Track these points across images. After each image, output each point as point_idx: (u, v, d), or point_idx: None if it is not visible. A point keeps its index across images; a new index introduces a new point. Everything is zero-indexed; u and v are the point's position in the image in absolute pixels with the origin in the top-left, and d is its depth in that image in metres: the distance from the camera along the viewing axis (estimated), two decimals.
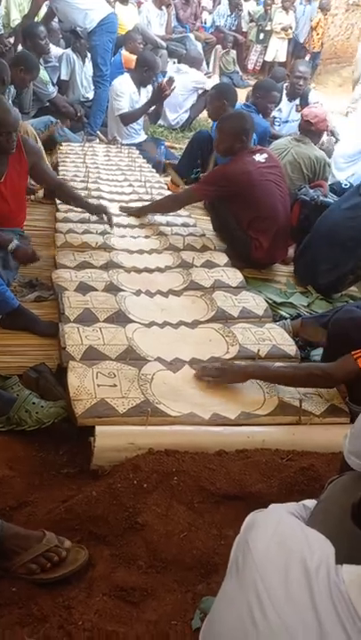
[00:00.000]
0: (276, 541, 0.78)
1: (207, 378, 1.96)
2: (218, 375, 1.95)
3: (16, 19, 5.73)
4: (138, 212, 3.43)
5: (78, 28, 5.34)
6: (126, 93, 4.73)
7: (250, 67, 9.52)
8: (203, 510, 1.46)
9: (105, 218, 3.07)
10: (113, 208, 3.49)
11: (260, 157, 3.08)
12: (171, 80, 4.82)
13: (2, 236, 2.56)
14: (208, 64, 8.12)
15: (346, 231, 2.92)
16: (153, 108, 5.09)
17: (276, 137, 4.74)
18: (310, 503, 1.03)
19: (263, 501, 1.41)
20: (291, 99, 5.24)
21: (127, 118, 4.80)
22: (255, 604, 0.73)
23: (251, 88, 5.43)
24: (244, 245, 3.10)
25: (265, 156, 3.11)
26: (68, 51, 5.27)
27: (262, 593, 0.73)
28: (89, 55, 5.17)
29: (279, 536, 0.79)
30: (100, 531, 1.41)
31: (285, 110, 5.24)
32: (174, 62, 6.46)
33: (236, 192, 3.01)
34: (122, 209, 3.49)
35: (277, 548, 0.77)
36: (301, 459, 1.64)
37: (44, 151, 3.04)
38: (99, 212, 3.06)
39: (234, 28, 9.12)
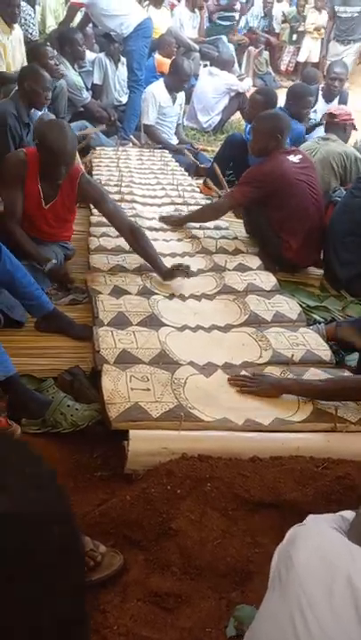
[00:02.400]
0: (320, 556, 0.77)
1: (242, 389, 1.95)
2: (253, 387, 1.94)
3: (51, 25, 5.85)
4: (178, 222, 3.36)
5: (113, 33, 5.40)
6: (156, 103, 4.77)
7: (282, 68, 9.45)
8: (237, 517, 1.46)
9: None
10: (146, 212, 3.51)
11: (294, 158, 3.06)
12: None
13: (40, 254, 2.59)
14: (240, 65, 8.09)
15: (342, 227, 2.92)
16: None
17: (311, 129, 4.68)
18: (349, 515, 1.01)
19: (298, 510, 1.40)
20: (328, 100, 5.16)
21: (150, 132, 4.85)
22: (298, 618, 0.72)
23: (284, 89, 5.38)
24: (276, 246, 3.07)
25: (299, 156, 3.09)
26: (101, 55, 5.31)
27: (306, 608, 0.72)
28: (122, 59, 5.22)
29: (323, 551, 0.78)
30: (135, 535, 1.42)
31: (321, 111, 5.16)
32: (206, 65, 6.46)
33: (270, 192, 2.99)
34: (162, 219, 3.40)
35: (321, 563, 0.76)
36: (337, 467, 1.62)
37: (105, 193, 2.83)
38: (172, 276, 2.66)
39: (267, 30, 9.07)
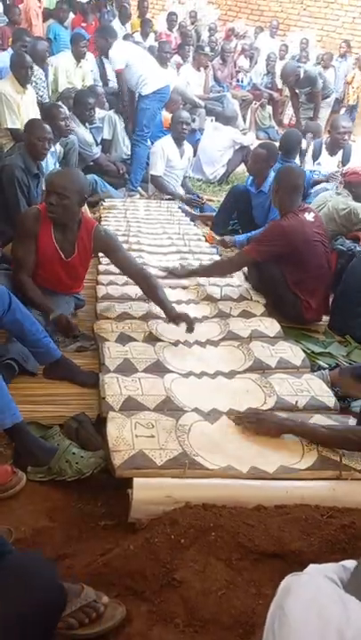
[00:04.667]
0: (313, 610, 0.77)
1: (244, 423, 1.97)
2: (255, 422, 1.95)
3: (63, 84, 6.15)
4: (187, 275, 3.31)
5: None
6: (165, 156, 4.94)
7: (285, 121, 9.79)
8: (241, 568, 1.44)
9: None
10: (153, 260, 3.58)
11: (309, 217, 3.07)
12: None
13: (46, 305, 2.60)
14: (245, 120, 8.40)
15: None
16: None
17: (317, 182, 4.81)
18: (350, 564, 1.00)
19: (303, 560, 1.39)
20: (331, 153, 5.32)
21: (157, 183, 5.02)
22: None
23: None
24: (293, 305, 3.05)
25: (312, 214, 3.11)
26: (111, 112, 5.58)
27: None
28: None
29: (316, 604, 0.78)
30: (138, 586, 1.40)
31: (325, 164, 5.31)
32: (212, 120, 6.72)
33: (288, 251, 2.98)
34: (169, 271, 3.31)
35: (314, 617, 0.76)
36: (342, 516, 1.60)
37: (118, 242, 2.91)
38: (179, 319, 2.68)
39: (269, 86, 9.45)
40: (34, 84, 5.10)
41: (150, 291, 2.78)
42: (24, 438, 1.89)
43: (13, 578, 1.11)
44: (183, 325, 2.68)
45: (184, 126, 4.94)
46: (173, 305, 2.92)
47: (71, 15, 8.31)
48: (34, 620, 1.08)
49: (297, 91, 7.35)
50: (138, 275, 2.80)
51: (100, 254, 3.30)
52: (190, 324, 2.66)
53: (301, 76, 7.10)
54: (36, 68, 5.13)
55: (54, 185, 2.61)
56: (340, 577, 0.89)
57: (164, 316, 2.82)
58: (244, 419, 1.99)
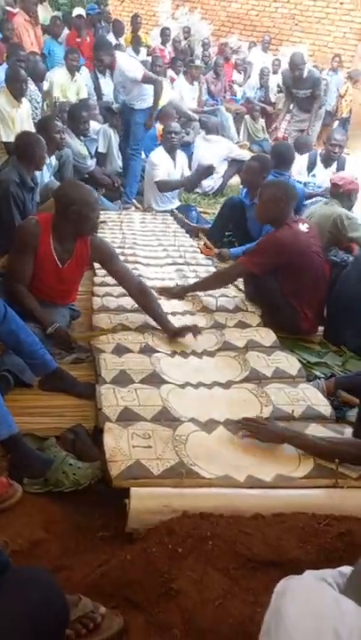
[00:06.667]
0: (309, 610, 0.78)
1: (244, 431, 1.97)
2: (255, 430, 1.95)
3: (57, 97, 6.23)
4: (182, 293, 3.27)
5: (115, 105, 5.77)
6: (162, 164, 5.00)
7: (280, 135, 9.90)
8: (238, 577, 1.43)
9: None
10: (149, 272, 3.60)
11: (303, 228, 3.07)
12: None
13: (44, 317, 2.61)
14: (239, 133, 8.49)
15: (353, 294, 2.94)
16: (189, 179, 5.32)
17: (311, 196, 4.85)
18: (347, 570, 1.01)
19: (300, 568, 1.37)
20: (326, 165, 5.37)
21: (164, 186, 5.04)
22: None
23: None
24: (290, 316, 3.05)
25: (306, 225, 3.12)
26: (105, 126, 5.64)
27: None
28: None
29: (311, 605, 0.79)
30: (135, 596, 1.39)
31: (320, 176, 5.36)
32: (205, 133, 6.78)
33: (284, 262, 2.98)
34: (161, 290, 3.25)
35: (309, 618, 0.77)
36: (339, 524, 1.60)
37: (114, 252, 2.92)
38: (180, 335, 2.72)
39: (263, 100, 9.56)
40: (29, 97, 5.16)
41: (146, 305, 2.80)
42: (20, 450, 1.89)
43: (20, 591, 1.10)
44: (188, 335, 2.71)
45: (173, 135, 4.99)
46: (169, 316, 2.93)
47: (66, 31, 8.42)
48: (42, 632, 1.07)
49: (293, 91, 7.23)
50: (134, 287, 2.82)
51: (97, 265, 3.32)
52: (196, 330, 2.69)
53: (305, 75, 6.91)
54: (32, 88, 5.20)
55: (98, 201, 2.76)
56: (337, 582, 0.89)
57: (159, 327, 2.83)
58: (243, 426, 1.99)
